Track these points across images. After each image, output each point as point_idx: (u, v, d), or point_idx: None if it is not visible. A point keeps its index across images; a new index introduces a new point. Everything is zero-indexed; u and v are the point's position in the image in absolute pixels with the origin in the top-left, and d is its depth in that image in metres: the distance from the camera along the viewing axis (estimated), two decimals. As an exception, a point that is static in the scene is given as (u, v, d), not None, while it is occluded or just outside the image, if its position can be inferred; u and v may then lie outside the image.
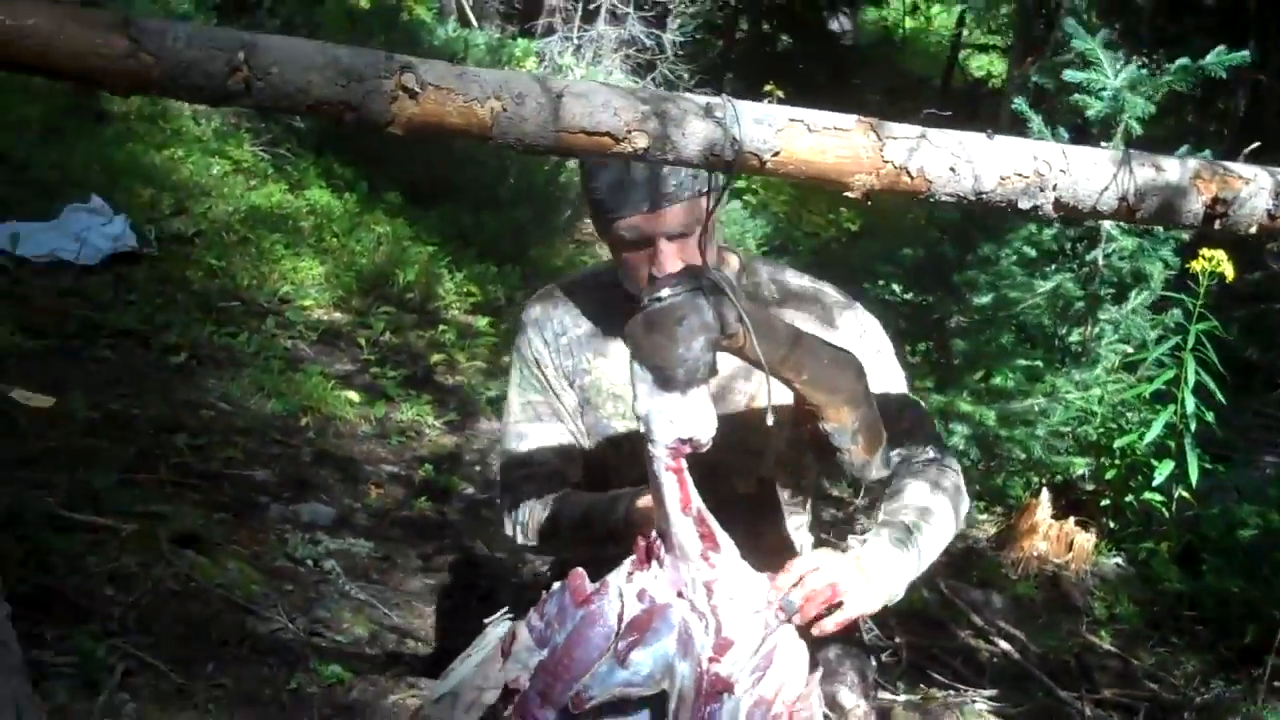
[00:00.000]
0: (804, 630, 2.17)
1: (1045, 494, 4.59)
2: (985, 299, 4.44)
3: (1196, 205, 1.75)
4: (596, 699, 1.92)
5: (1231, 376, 6.49)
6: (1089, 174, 1.71)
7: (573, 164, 7.66)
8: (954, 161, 1.66)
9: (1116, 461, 4.71)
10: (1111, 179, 1.72)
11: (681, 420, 1.88)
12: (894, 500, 2.39)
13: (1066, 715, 3.49)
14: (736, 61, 13.39)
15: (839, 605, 2.15)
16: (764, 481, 2.57)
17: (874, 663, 3.22)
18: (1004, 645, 3.76)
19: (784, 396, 2.19)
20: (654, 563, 2.00)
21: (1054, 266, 4.91)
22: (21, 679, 1.34)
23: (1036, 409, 4.46)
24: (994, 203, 1.70)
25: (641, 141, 1.48)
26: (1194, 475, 4.37)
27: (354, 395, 4.71)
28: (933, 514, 2.34)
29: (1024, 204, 1.70)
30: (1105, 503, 4.77)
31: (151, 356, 4.48)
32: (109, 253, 5.15)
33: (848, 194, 1.67)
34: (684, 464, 1.92)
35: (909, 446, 2.48)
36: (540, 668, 2.01)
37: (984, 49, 15.24)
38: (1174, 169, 1.75)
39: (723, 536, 1.98)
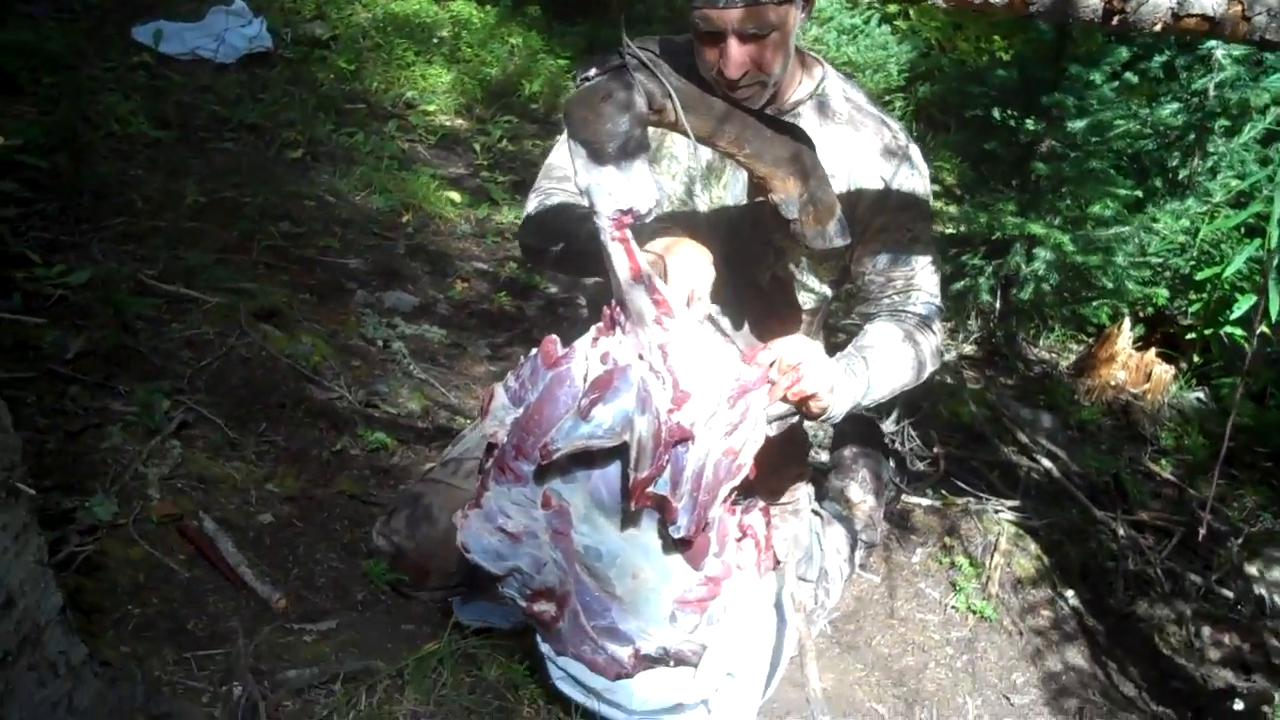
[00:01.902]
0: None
1: (1127, 324, 4.60)
2: (1079, 124, 4.37)
3: (1095, 0, 1.80)
4: (561, 450, 2.13)
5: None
6: (983, -33, 1.78)
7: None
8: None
9: (1206, 294, 4.66)
10: (1007, -27, 1.78)
11: (619, 191, 2.05)
12: (865, 336, 2.55)
13: (1095, 533, 3.57)
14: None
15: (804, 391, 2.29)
16: (779, 280, 2.71)
17: (891, 465, 3.38)
18: (1045, 463, 3.83)
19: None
20: (616, 329, 2.18)
21: (1168, 95, 4.82)
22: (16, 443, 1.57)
23: (1122, 237, 4.43)
24: None
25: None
26: (1275, 309, 4.31)
27: (457, 196, 4.91)
28: (892, 357, 2.49)
29: (917, -3, 1.77)
30: (1191, 336, 4.74)
31: (270, 151, 4.73)
32: (245, 52, 5.43)
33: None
34: (629, 234, 2.08)
35: (906, 298, 2.62)
36: (515, 424, 2.23)
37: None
38: (1073, -37, 1.79)
39: (676, 303, 2.14)
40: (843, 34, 7.51)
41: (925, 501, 3.49)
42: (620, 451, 2.13)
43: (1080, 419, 4.34)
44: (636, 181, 2.02)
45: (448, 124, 5.68)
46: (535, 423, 2.18)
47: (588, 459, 2.17)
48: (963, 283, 4.63)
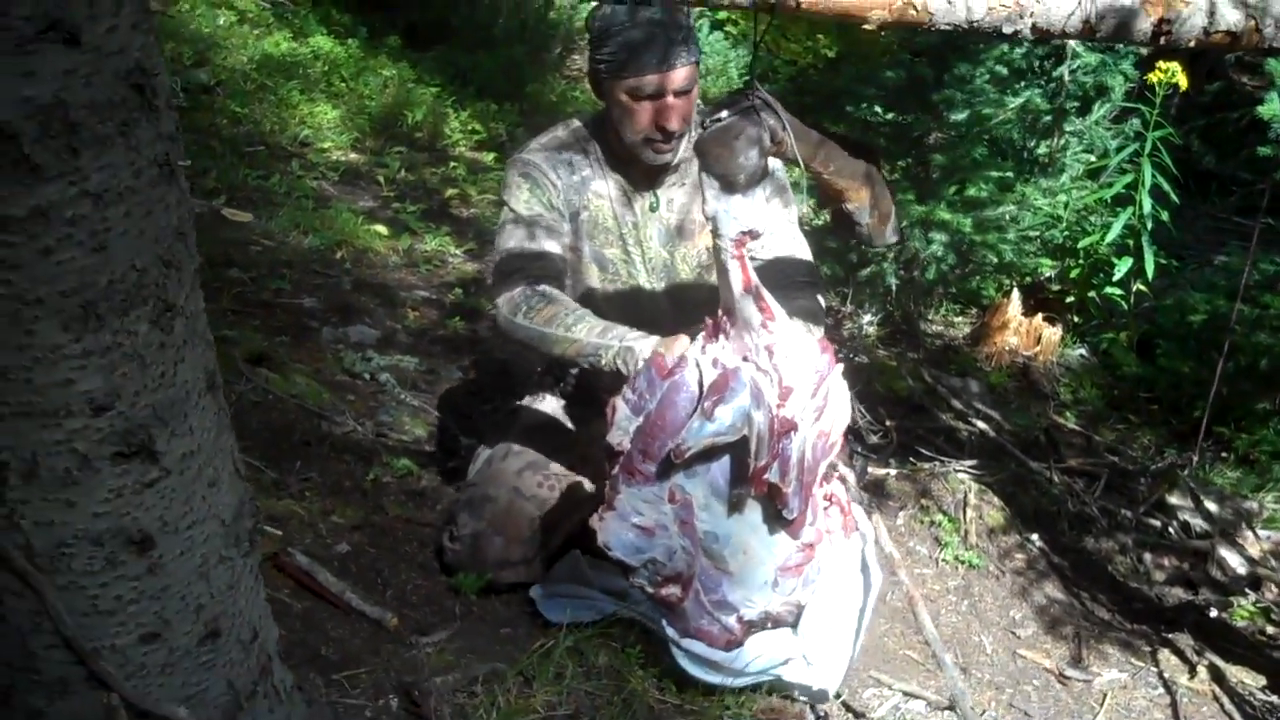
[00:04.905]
0: None
1: (1016, 294, 5.04)
2: (961, 115, 4.80)
3: (1146, 25, 2.17)
4: (693, 449, 2.42)
5: (1190, 183, 6.92)
6: (1060, 2, 2.13)
7: (561, 1, 7.92)
8: (954, -5, 2.07)
9: (1080, 261, 5.15)
10: (1077, 4, 2.13)
11: (743, 216, 2.40)
12: (796, 302, 2.88)
13: (1035, 482, 3.97)
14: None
15: None
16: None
17: (856, 443, 3.75)
18: (981, 425, 4.23)
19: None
20: (721, 336, 2.50)
21: (1024, 83, 5.26)
22: (234, 439, 1.74)
23: (1008, 216, 4.87)
24: (983, 29, 2.11)
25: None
26: (1150, 270, 4.82)
27: (382, 229, 5.07)
28: (820, 315, 2.94)
29: (1007, 29, 2.12)
30: (1070, 299, 5.22)
31: (194, 199, 4.80)
32: (140, 104, 5.45)
33: (865, 26, 2.08)
34: (745, 252, 2.40)
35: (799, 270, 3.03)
36: (638, 431, 2.49)
37: None
38: (1129, -6, 2.16)
39: (777, 308, 2.45)
40: (683, 43, 7.83)
41: (894, 470, 3.84)
42: (735, 445, 2.42)
43: (990, 383, 4.76)
44: (757, 206, 2.34)
45: (345, 159, 5.81)
46: (659, 427, 2.45)
47: (707, 454, 2.45)
48: (870, 269, 5.01)
